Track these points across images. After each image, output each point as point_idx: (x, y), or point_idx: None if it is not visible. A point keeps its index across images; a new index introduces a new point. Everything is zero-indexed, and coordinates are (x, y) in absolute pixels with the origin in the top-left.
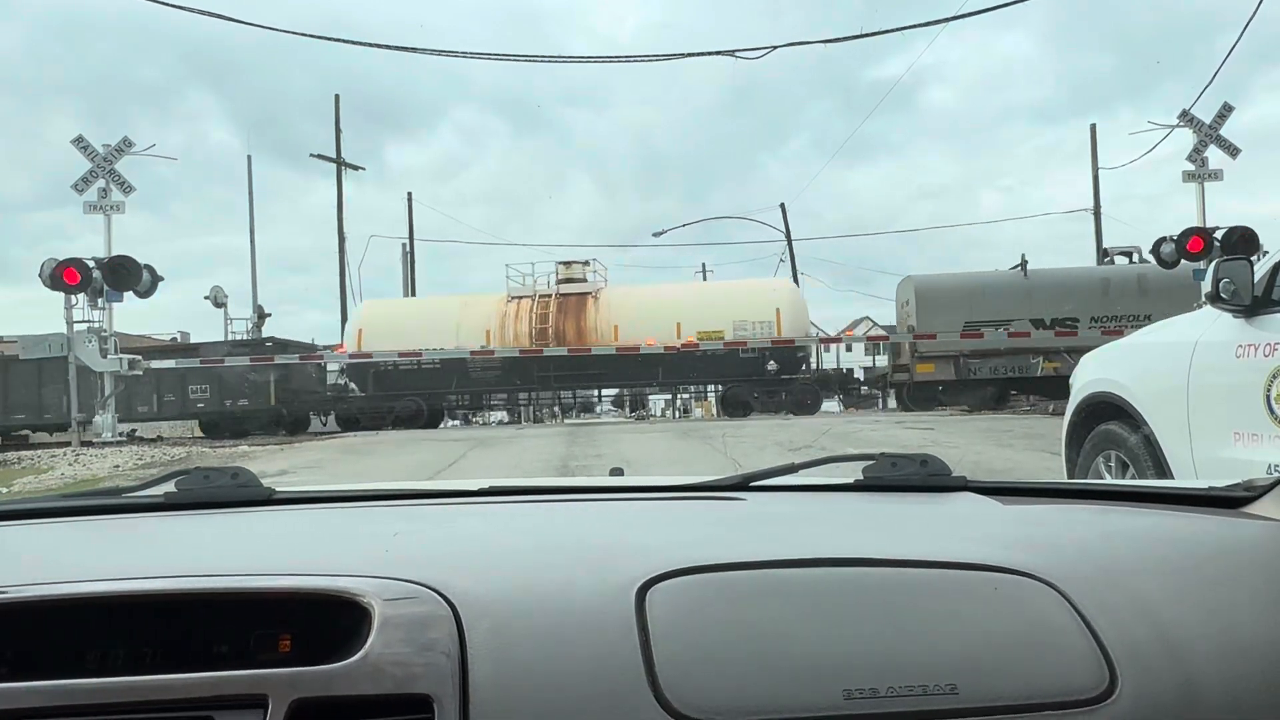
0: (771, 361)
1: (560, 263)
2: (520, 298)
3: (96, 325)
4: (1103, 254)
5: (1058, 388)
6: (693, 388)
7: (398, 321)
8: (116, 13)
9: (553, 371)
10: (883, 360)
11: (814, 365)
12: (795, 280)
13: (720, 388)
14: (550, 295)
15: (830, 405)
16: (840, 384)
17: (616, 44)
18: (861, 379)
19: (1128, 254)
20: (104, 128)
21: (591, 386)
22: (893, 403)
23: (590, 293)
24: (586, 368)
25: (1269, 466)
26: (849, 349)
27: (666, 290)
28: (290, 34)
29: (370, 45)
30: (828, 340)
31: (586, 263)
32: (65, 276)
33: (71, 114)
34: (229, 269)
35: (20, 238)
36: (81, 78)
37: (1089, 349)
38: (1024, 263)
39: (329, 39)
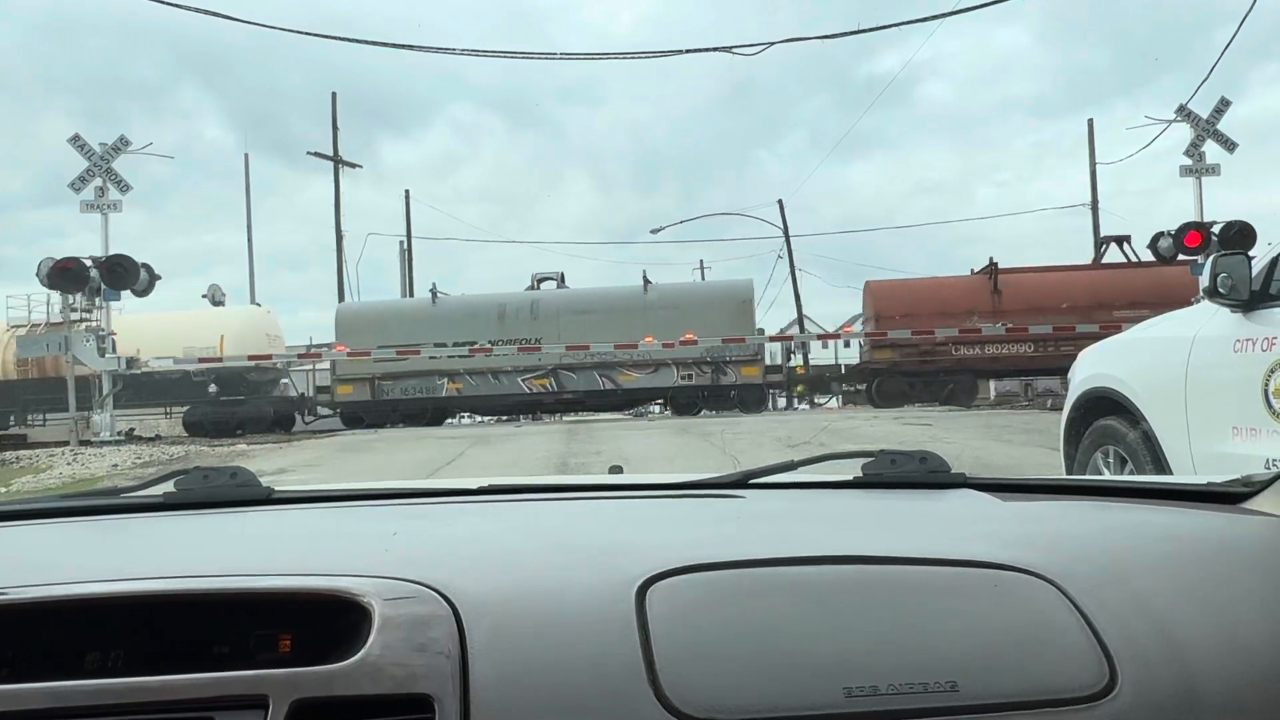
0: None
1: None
2: None
3: (94, 324)
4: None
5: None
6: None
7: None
8: (110, 10)
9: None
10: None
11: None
12: (793, 278)
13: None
14: None
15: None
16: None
17: (611, 40)
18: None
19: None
20: (99, 126)
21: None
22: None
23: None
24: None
25: (1267, 461)
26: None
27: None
28: (286, 31)
29: (366, 43)
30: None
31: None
32: (63, 275)
33: (66, 112)
34: (226, 267)
35: (16, 236)
36: (76, 75)
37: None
38: (433, 290)
39: (325, 36)
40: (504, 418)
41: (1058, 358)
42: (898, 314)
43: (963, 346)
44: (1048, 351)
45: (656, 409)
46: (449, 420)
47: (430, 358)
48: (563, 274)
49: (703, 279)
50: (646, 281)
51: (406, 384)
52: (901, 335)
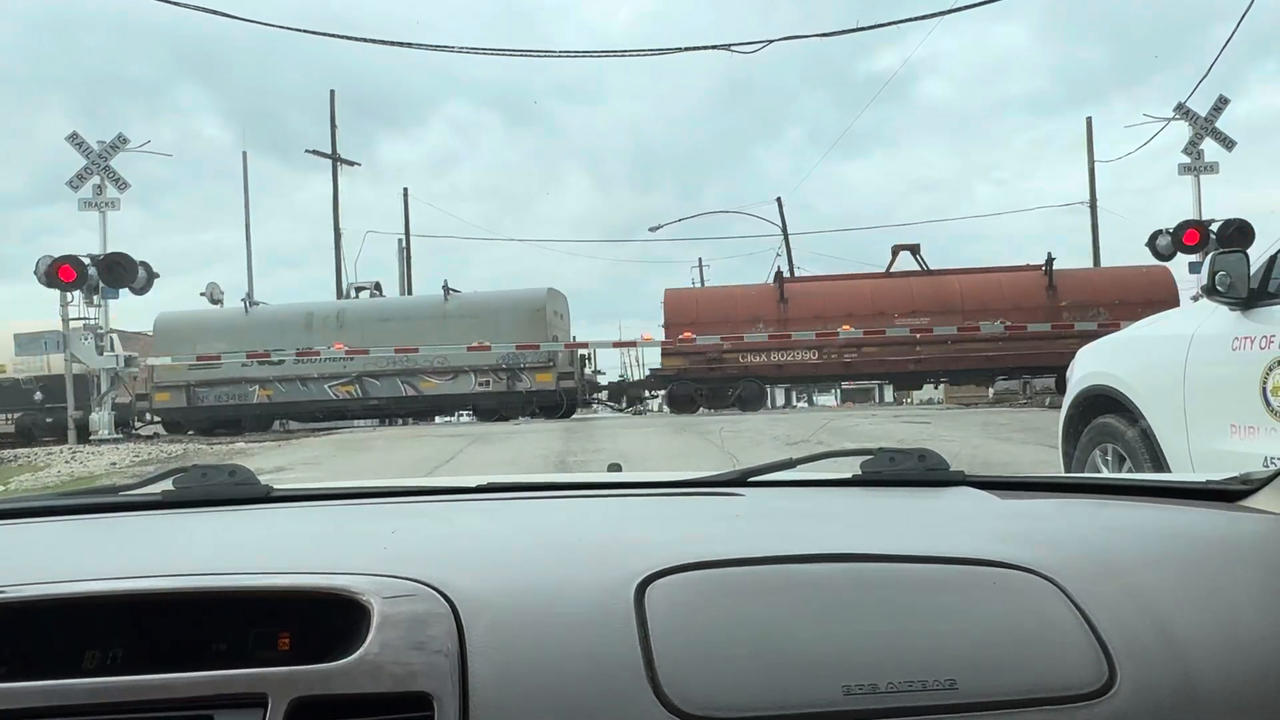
0: None
1: None
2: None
3: (92, 322)
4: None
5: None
6: None
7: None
8: (107, 8)
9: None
10: None
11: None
12: (791, 274)
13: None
14: None
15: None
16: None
17: (609, 37)
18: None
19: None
20: (96, 123)
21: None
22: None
23: None
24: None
25: (1265, 459)
26: None
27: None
28: (284, 29)
29: (364, 41)
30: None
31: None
32: (60, 274)
33: (63, 109)
34: (224, 264)
35: (12, 234)
36: (72, 73)
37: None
38: (246, 298)
39: (323, 34)
40: (321, 422)
41: (839, 365)
42: (687, 321)
43: (749, 354)
44: (830, 359)
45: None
46: (275, 426)
47: (243, 365)
48: (379, 283)
49: (702, 279)
50: (447, 291)
51: (220, 390)
52: (689, 344)
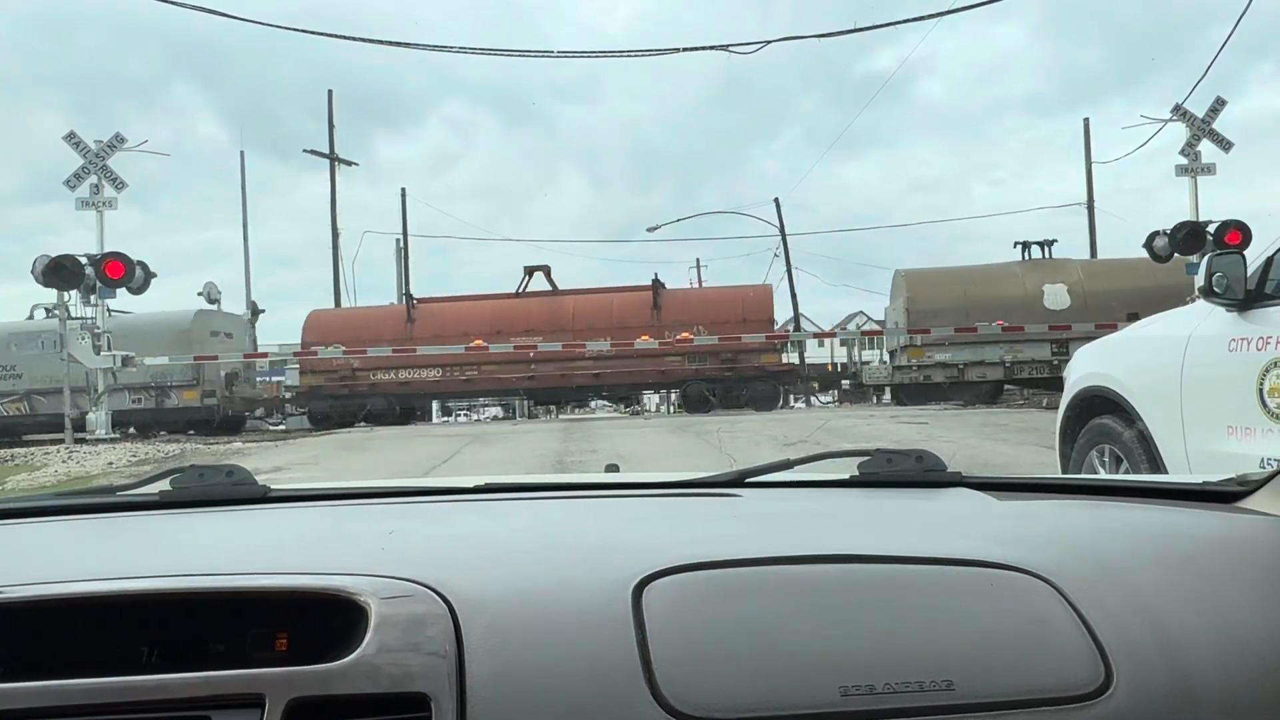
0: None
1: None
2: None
3: (89, 322)
4: (525, 272)
5: None
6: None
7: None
8: (103, 6)
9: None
10: (871, 354)
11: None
12: (789, 276)
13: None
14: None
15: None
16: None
17: (606, 37)
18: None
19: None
20: (92, 122)
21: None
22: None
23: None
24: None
25: (1262, 460)
26: (843, 344)
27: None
28: (280, 29)
29: (362, 40)
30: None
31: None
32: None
33: (58, 108)
34: (221, 264)
35: (9, 233)
36: (67, 72)
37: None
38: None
39: (320, 34)
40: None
41: (460, 383)
42: (328, 339)
43: (377, 371)
44: (454, 376)
45: (652, 406)
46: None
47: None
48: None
49: (700, 280)
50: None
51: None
52: (323, 362)
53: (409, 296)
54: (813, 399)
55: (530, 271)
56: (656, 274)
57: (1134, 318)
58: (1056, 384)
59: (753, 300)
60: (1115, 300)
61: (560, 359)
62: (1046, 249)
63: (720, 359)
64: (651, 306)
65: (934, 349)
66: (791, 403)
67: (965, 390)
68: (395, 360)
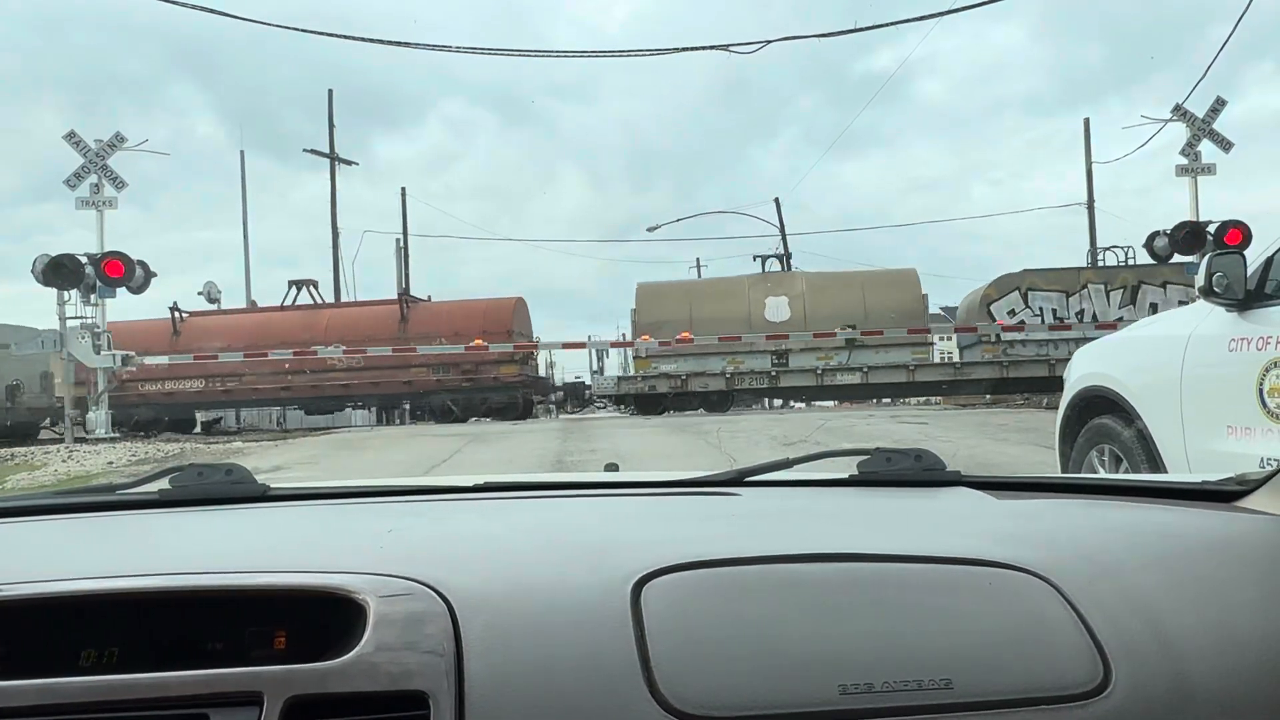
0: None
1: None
2: None
3: (89, 321)
4: (291, 286)
5: None
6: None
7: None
8: (100, 5)
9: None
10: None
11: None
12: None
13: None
14: None
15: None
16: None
17: (604, 36)
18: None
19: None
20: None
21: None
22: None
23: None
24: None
25: (1261, 460)
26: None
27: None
28: (279, 28)
29: (361, 40)
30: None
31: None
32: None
33: (56, 107)
34: (220, 264)
35: (7, 233)
36: (65, 71)
37: None
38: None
39: (319, 33)
40: None
41: (221, 393)
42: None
43: (146, 383)
44: (214, 388)
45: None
46: None
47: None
48: None
49: (699, 276)
50: None
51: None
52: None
53: (175, 310)
54: (552, 410)
55: (297, 285)
56: (405, 288)
57: (849, 329)
58: (776, 392)
59: (492, 313)
60: (834, 311)
61: (319, 370)
62: (784, 262)
63: (461, 370)
64: (399, 319)
65: (659, 360)
66: (535, 413)
67: (692, 400)
68: (161, 372)
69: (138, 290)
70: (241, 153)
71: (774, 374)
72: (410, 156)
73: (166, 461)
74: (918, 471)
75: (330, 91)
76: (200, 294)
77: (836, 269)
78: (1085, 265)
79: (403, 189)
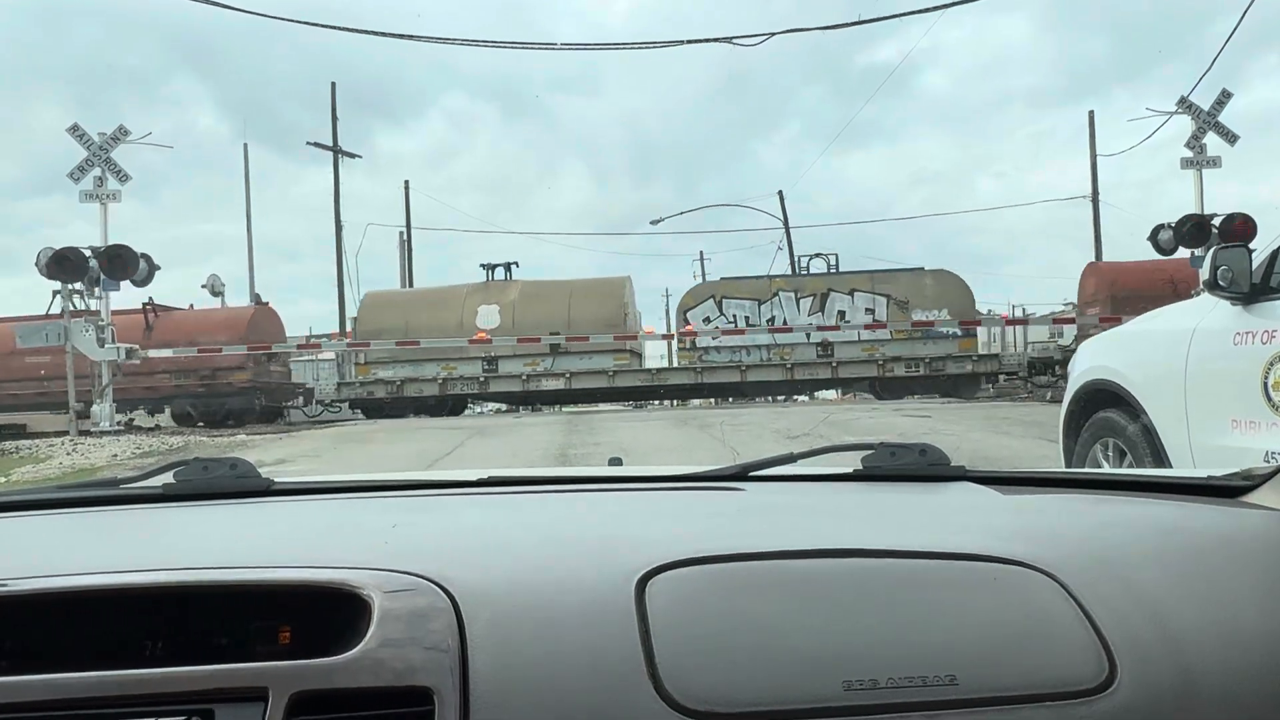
0: None
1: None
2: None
3: (93, 314)
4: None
5: None
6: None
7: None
8: None
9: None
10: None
11: None
12: (793, 269)
13: None
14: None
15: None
16: None
17: (606, 29)
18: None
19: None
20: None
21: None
22: None
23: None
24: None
25: (1267, 454)
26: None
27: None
28: (281, 20)
29: (363, 32)
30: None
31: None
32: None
33: (57, 100)
34: (223, 257)
35: (10, 226)
36: (66, 64)
37: None
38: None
39: (321, 25)
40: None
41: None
42: None
43: None
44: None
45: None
46: None
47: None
48: None
49: (703, 274)
50: None
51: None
52: None
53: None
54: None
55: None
56: (151, 298)
57: (554, 335)
58: (491, 398)
59: (230, 321)
60: (540, 320)
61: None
62: (508, 270)
63: (199, 376)
64: (145, 328)
65: (377, 366)
66: (289, 416)
67: (408, 404)
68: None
69: (142, 283)
70: (245, 145)
71: (483, 379)
72: (413, 150)
73: (171, 455)
74: (922, 466)
75: (333, 85)
76: (204, 287)
77: (846, 263)
78: (778, 275)
79: (406, 182)
